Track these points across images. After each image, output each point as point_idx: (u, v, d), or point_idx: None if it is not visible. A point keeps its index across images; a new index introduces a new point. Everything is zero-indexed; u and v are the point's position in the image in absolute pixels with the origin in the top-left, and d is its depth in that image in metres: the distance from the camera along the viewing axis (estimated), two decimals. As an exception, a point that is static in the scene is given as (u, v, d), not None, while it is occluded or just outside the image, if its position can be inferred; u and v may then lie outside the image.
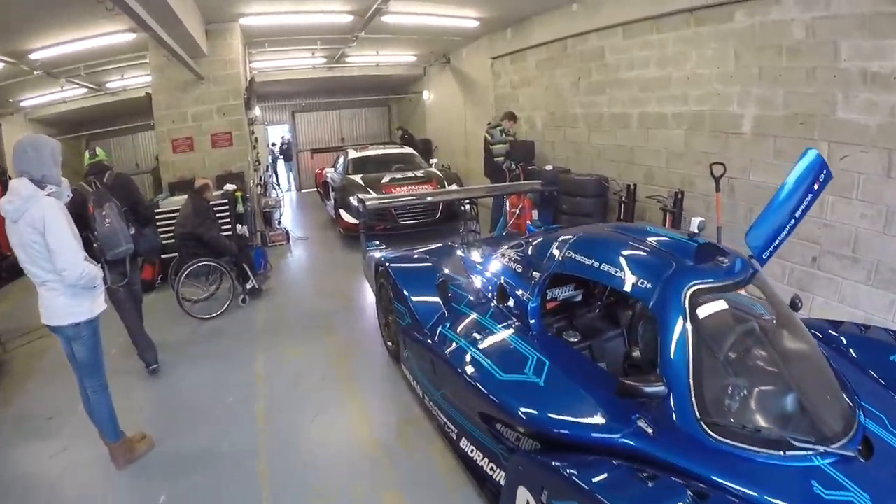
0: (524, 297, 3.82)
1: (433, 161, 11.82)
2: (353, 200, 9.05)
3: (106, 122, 14.88)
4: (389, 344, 5.33)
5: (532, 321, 3.69)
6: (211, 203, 6.99)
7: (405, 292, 4.67)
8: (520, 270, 4.20)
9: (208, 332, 6.45)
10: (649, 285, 2.89)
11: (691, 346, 2.57)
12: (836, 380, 2.75)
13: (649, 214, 7.91)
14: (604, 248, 3.42)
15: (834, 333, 3.48)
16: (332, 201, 10.79)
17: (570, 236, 3.74)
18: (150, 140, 14.18)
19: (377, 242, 5.89)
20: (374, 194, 9.07)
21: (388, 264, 5.08)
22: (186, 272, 6.54)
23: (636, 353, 3.12)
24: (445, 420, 3.84)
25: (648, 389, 2.48)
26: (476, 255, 5.42)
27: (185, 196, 8.14)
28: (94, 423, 3.85)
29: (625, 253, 3.24)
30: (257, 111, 10.97)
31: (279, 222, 10.86)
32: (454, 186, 10.01)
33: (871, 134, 5.01)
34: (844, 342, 3.39)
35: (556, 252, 3.71)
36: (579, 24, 9.01)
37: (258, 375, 5.28)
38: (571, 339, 3.67)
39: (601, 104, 8.94)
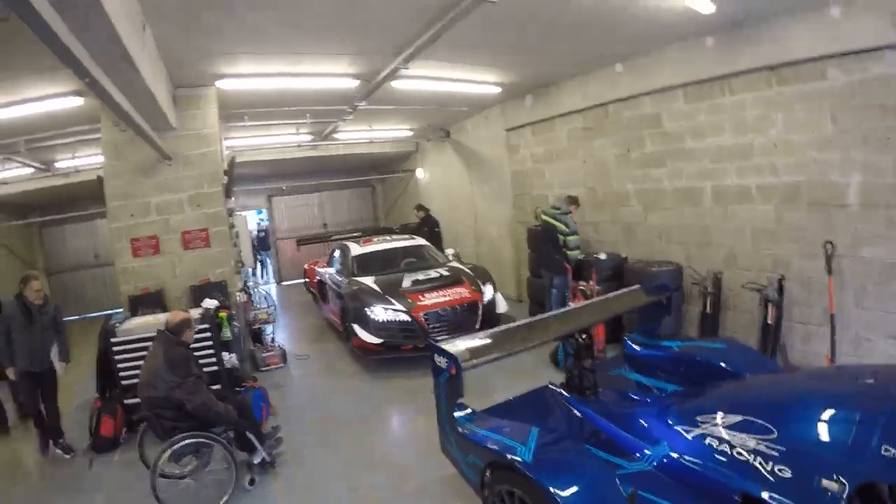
0: None
1: (449, 252, 9.96)
2: (371, 313, 7.43)
3: (60, 206, 13.31)
4: None
5: None
6: (192, 346, 4.87)
7: None
8: (783, 474, 2.63)
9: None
10: None
11: None
12: None
13: (740, 305, 6.89)
14: None
15: None
16: (338, 309, 8.81)
17: (867, 413, 2.65)
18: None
19: (468, 408, 3.86)
20: (397, 305, 7.40)
21: (531, 475, 2.94)
22: (167, 452, 4.40)
23: None
24: None
25: None
26: (627, 421, 3.53)
27: (151, 317, 6.13)
28: None
29: None
30: (234, 199, 9.02)
31: (273, 339, 8.70)
32: (489, 287, 8.22)
33: None
34: None
35: (860, 445, 2.52)
36: (625, 88, 7.95)
37: None
38: None
39: (660, 178, 7.77)
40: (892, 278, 5.31)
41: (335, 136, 12.50)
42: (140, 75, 4.36)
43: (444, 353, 3.63)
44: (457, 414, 3.72)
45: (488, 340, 3.99)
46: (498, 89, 9.07)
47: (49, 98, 6.23)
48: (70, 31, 2.66)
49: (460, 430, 3.63)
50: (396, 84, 7.70)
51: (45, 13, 2.28)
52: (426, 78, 7.79)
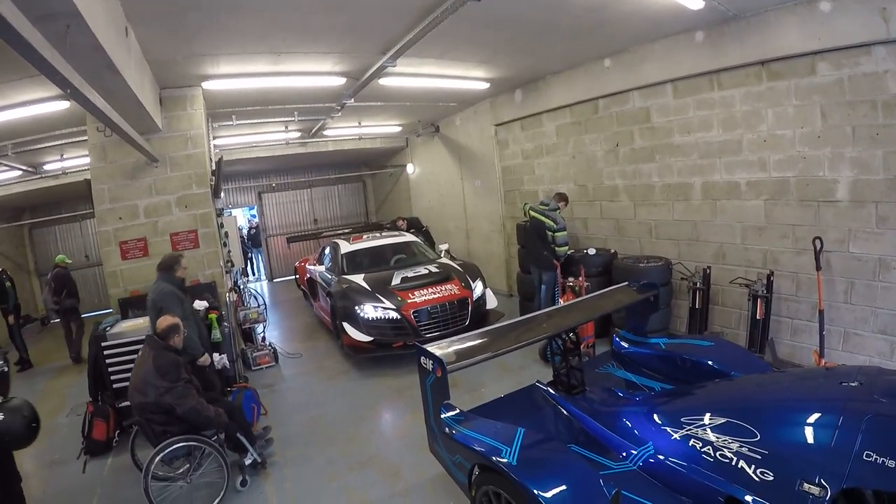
0: None
1: (443, 247, 9.94)
2: (361, 311, 7.43)
3: (49, 208, 13.38)
4: None
5: None
6: (179, 349, 4.82)
7: None
8: (765, 477, 2.67)
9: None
10: None
11: None
12: None
13: (729, 300, 6.95)
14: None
15: None
16: (328, 307, 8.80)
17: (849, 417, 2.61)
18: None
19: (455, 409, 3.86)
20: (387, 303, 7.40)
21: (515, 478, 2.94)
22: (159, 456, 4.42)
23: None
24: None
25: None
26: (613, 420, 3.57)
27: (142, 321, 6.11)
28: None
29: None
30: (222, 198, 8.96)
31: (263, 338, 8.70)
32: (479, 283, 8.20)
33: None
34: None
35: (842, 450, 2.49)
36: (614, 83, 7.90)
37: None
38: None
39: (649, 173, 7.76)
40: (880, 275, 5.34)
41: (324, 132, 12.47)
42: (125, 82, 4.34)
43: (429, 355, 3.64)
44: (444, 415, 3.73)
45: (475, 342, 4.00)
46: (486, 84, 9.04)
47: (35, 103, 6.19)
48: (50, 44, 2.63)
49: (447, 430, 3.64)
50: (384, 81, 7.69)
51: (24, 30, 2.25)
52: (414, 75, 7.76)
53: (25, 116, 6.51)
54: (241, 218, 19.25)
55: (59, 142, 8.10)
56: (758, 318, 6.23)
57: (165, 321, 4.75)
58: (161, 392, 4.37)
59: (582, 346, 6.31)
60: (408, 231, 11.43)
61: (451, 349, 3.77)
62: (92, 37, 3.23)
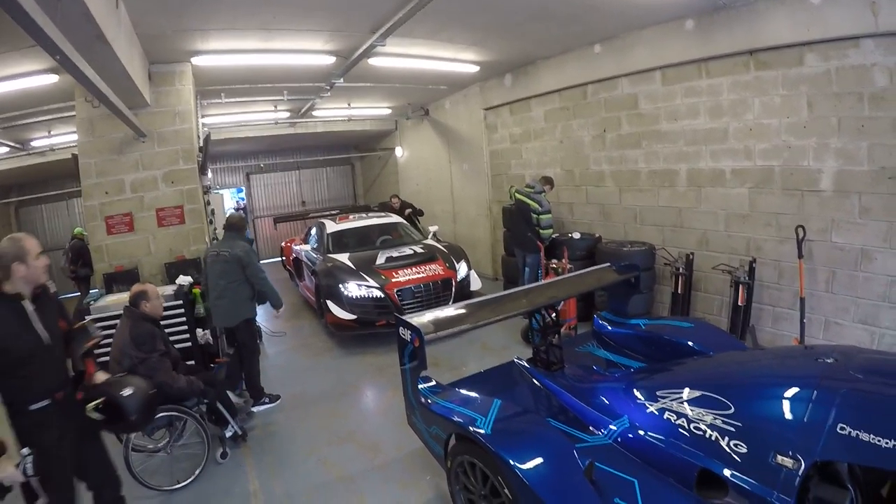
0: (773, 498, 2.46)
1: (432, 229, 9.93)
2: (345, 289, 7.47)
3: (35, 186, 13.22)
4: None
5: None
6: (158, 319, 4.79)
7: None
8: (739, 449, 2.70)
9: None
10: None
11: None
12: None
13: (711, 286, 7.02)
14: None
15: None
16: (313, 286, 8.84)
17: (824, 391, 2.64)
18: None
19: (432, 381, 3.92)
20: (371, 281, 7.45)
21: (490, 447, 2.97)
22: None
23: None
24: None
25: None
26: (590, 396, 3.63)
27: (126, 294, 6.10)
28: None
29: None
30: (210, 176, 8.92)
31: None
32: (463, 265, 8.29)
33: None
34: None
35: (816, 423, 2.51)
36: (603, 69, 7.91)
37: None
38: None
39: (636, 160, 7.79)
40: (862, 265, 5.41)
41: (313, 113, 12.43)
42: (115, 54, 4.33)
43: (407, 325, 3.68)
44: (421, 386, 3.78)
45: (453, 313, 4.06)
46: (476, 68, 9.04)
47: (23, 76, 6.13)
48: (41, 10, 2.65)
49: (424, 401, 3.70)
50: (374, 61, 7.66)
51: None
52: (404, 55, 7.75)
53: (13, 90, 6.44)
54: (230, 199, 19.15)
55: (47, 117, 8.04)
56: (739, 304, 6.29)
57: (135, 288, 4.70)
58: (135, 363, 4.33)
59: (564, 328, 6.40)
60: (402, 210, 11.44)
61: (428, 319, 3.82)
62: (83, 6, 3.24)
